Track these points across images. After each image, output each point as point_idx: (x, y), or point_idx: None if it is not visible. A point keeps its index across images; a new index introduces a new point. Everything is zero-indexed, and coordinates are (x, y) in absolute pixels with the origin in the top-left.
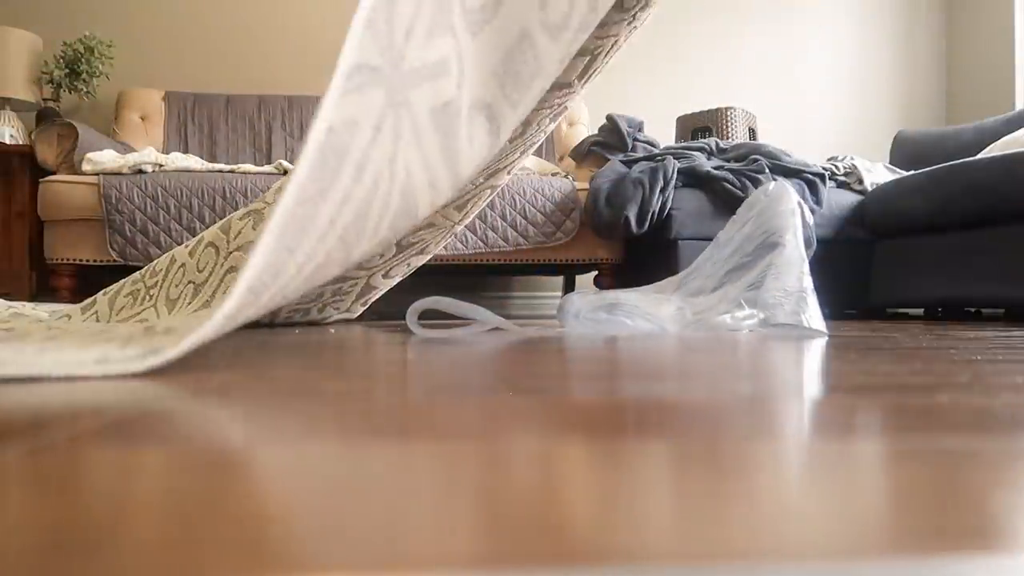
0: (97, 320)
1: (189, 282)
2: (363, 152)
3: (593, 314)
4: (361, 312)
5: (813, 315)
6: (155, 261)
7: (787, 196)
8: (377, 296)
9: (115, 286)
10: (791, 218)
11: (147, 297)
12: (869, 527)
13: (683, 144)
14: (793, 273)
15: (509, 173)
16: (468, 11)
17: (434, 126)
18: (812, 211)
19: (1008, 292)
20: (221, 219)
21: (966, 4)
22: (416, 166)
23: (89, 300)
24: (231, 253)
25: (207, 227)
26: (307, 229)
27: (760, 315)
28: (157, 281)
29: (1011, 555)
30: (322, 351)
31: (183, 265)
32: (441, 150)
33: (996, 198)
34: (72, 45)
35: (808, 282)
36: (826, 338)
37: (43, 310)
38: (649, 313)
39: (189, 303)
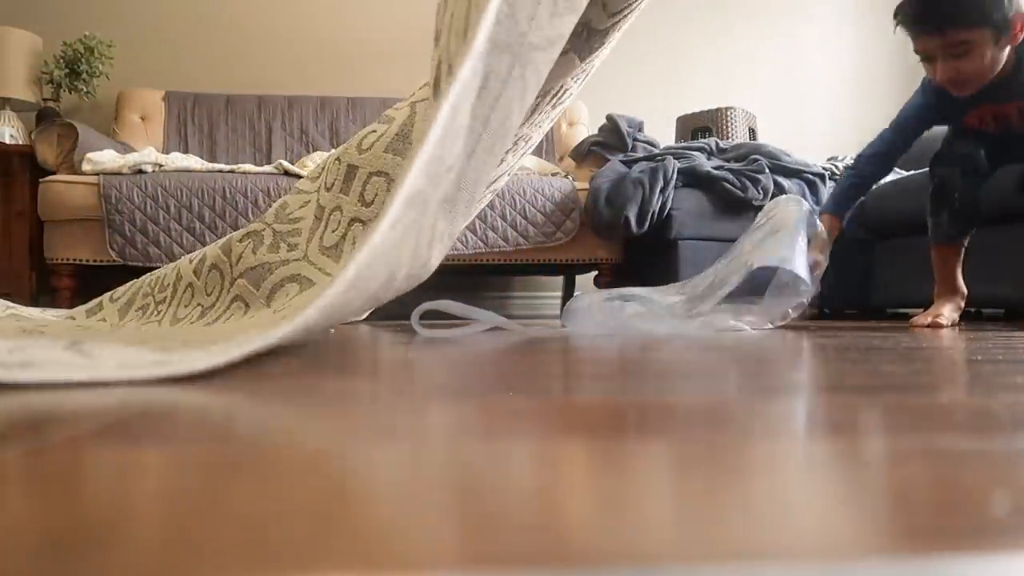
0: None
1: (197, 304)
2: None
3: (606, 305)
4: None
5: (800, 266)
6: (162, 272)
7: (796, 204)
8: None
9: (124, 294)
10: (799, 223)
11: (155, 312)
12: (869, 527)
13: (683, 144)
14: (792, 240)
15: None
16: None
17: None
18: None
19: (1008, 292)
20: (221, 219)
21: None
22: (512, 120)
23: (94, 303)
24: (235, 280)
25: (207, 227)
26: (426, 205)
27: (752, 261)
28: (166, 297)
29: (1011, 555)
30: (323, 350)
31: (190, 285)
32: (526, 109)
33: (996, 198)
34: (72, 45)
35: (802, 247)
36: (810, 292)
37: (51, 314)
38: (653, 299)
39: (193, 324)
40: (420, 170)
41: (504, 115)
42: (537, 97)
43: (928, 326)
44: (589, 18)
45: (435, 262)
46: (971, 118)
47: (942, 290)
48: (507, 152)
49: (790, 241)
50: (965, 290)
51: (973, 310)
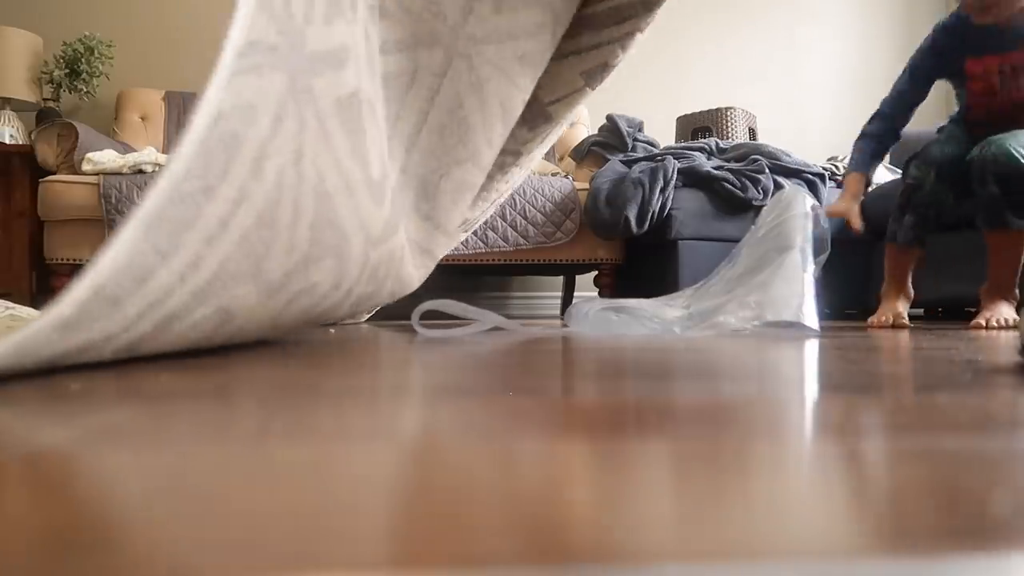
0: None
1: None
2: (261, 144)
3: (601, 314)
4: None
5: (809, 314)
6: None
7: (799, 201)
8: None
9: None
10: (802, 222)
11: None
12: (869, 527)
13: (683, 144)
14: (798, 275)
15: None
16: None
17: (340, 120)
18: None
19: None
20: None
21: None
22: (328, 167)
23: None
24: None
25: None
26: (185, 231)
27: (764, 314)
28: None
29: (1011, 555)
30: (323, 350)
31: None
32: (352, 148)
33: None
34: (72, 45)
35: (811, 283)
36: (818, 336)
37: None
38: (655, 315)
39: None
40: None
41: (452, 106)
42: (538, 116)
43: (893, 326)
44: (606, 59)
45: (414, 276)
46: (975, 65)
47: (891, 291)
48: (509, 166)
49: (796, 275)
50: (912, 293)
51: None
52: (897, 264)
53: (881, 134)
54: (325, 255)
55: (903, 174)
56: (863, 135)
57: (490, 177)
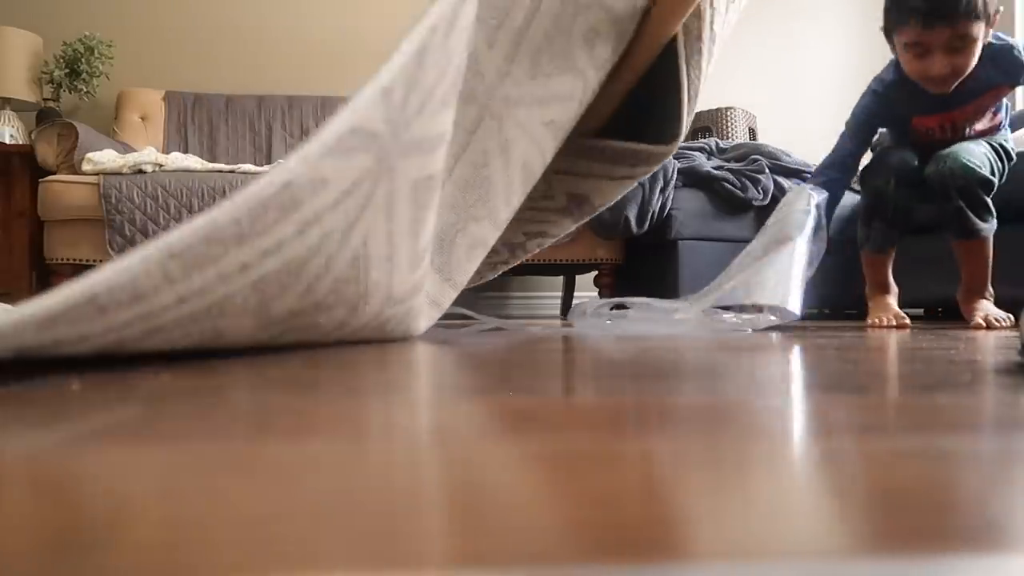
0: None
1: None
2: (317, 212)
3: (604, 312)
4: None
5: (793, 301)
6: None
7: (801, 198)
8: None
9: None
10: (803, 218)
11: None
12: (868, 527)
13: (683, 144)
14: (789, 264)
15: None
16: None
17: (411, 200)
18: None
19: (1007, 292)
20: None
21: None
22: (378, 237)
23: None
24: None
25: None
26: (205, 266)
27: (752, 295)
28: None
29: (1011, 555)
30: (324, 349)
31: None
32: (411, 223)
33: (996, 198)
34: (72, 45)
35: (800, 273)
36: (797, 320)
37: None
38: (658, 313)
39: None
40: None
41: (478, 163)
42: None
43: (896, 327)
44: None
45: (421, 327)
46: (921, 122)
47: (877, 292)
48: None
49: (787, 264)
50: (896, 288)
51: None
52: (875, 268)
53: (837, 193)
54: (339, 305)
55: (861, 186)
56: (831, 203)
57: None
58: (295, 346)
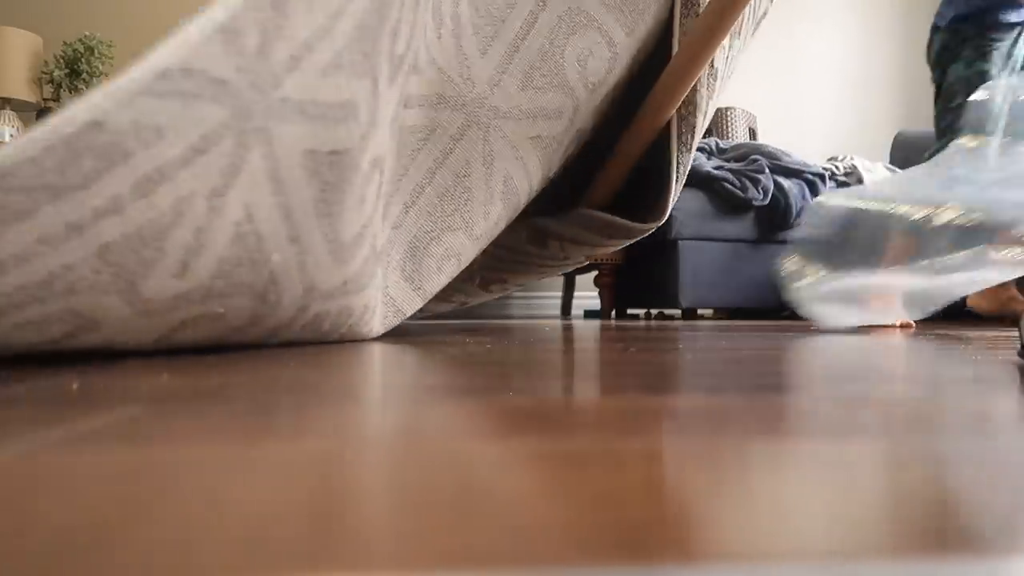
0: None
1: None
2: (159, 168)
3: (831, 297)
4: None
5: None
6: None
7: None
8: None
9: None
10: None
11: None
12: (869, 527)
13: None
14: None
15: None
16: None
17: (309, 172)
18: None
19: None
20: None
21: None
22: (268, 212)
23: None
24: None
25: None
26: (9, 221)
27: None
28: None
29: (1011, 555)
30: (325, 350)
31: None
32: (315, 203)
33: None
34: (72, 45)
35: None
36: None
37: None
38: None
39: None
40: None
41: (459, 172)
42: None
43: (900, 326)
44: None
45: (374, 329)
46: None
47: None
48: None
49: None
50: None
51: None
52: None
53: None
54: (236, 293)
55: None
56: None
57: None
58: (295, 347)
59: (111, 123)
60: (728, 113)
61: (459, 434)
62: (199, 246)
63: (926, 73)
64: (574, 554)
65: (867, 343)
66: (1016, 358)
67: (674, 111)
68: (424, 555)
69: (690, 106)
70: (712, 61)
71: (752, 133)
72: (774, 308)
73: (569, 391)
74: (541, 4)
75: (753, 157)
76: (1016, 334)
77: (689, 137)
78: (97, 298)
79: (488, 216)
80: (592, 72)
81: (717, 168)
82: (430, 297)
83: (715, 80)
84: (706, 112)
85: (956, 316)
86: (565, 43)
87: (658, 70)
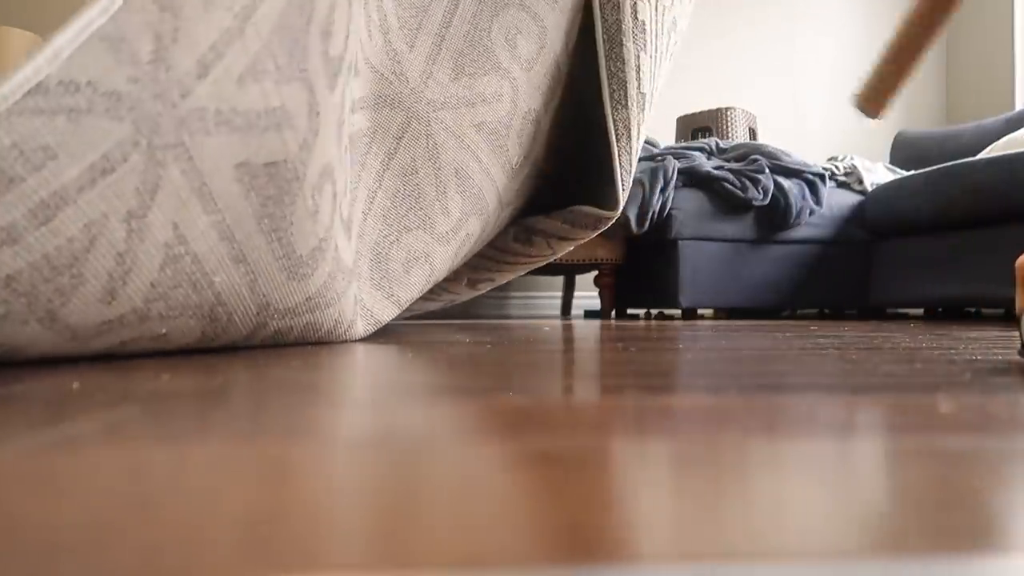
0: None
1: None
2: (57, 192)
3: None
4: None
5: None
6: None
7: None
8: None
9: None
10: None
11: None
12: (869, 527)
13: (683, 144)
14: None
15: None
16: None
17: (244, 186)
18: (812, 211)
19: (1008, 292)
20: None
21: (966, 4)
22: (202, 232)
23: None
24: None
25: None
26: None
27: None
28: None
29: (1011, 555)
30: (320, 351)
31: None
32: (257, 219)
33: (996, 198)
34: None
35: None
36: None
37: None
38: None
39: None
40: None
41: (407, 171)
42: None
43: None
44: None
45: (355, 336)
46: None
47: None
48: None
49: None
50: None
51: (973, 310)
52: None
53: None
54: (178, 315)
55: None
56: None
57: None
58: (294, 347)
59: None
60: (728, 113)
61: (458, 434)
62: (125, 271)
63: (926, 73)
64: (573, 554)
65: (867, 343)
66: (1016, 357)
67: (607, 101)
68: (421, 555)
69: (620, 94)
70: (633, 38)
71: (752, 133)
72: (774, 308)
73: (569, 391)
74: None
75: (753, 157)
76: (1016, 334)
77: (623, 125)
78: (15, 328)
79: (448, 212)
80: (523, 50)
81: (717, 168)
82: (407, 303)
83: (645, 56)
84: (641, 92)
85: (956, 316)
86: (490, 25)
87: (589, 40)
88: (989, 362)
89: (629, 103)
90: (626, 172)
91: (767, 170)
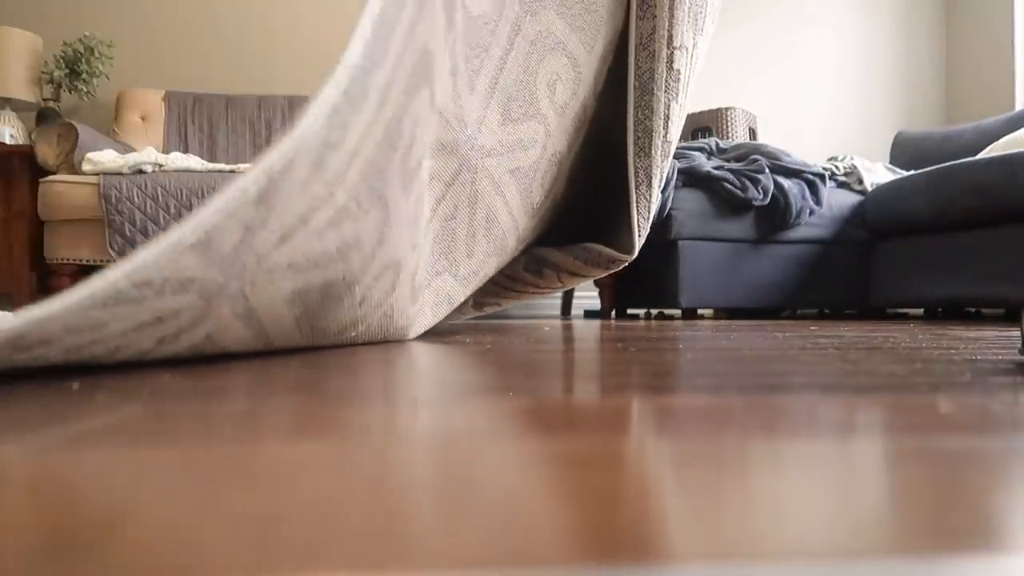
0: None
1: None
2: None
3: None
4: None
5: None
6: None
7: None
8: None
9: None
10: None
11: None
12: (869, 527)
13: (683, 144)
14: None
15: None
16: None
17: (294, 310)
18: (812, 211)
19: (1008, 292)
20: None
21: (966, 4)
22: (235, 336)
23: None
24: None
25: None
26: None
27: None
28: None
29: (1011, 555)
30: (322, 351)
31: None
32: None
33: (996, 198)
34: (72, 45)
35: None
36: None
37: None
38: None
39: None
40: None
41: (447, 216)
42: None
43: None
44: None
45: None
46: None
47: None
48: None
49: None
50: None
51: (973, 310)
52: None
53: None
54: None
55: None
56: None
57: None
58: (294, 348)
59: (124, 289)
60: (728, 113)
61: (458, 434)
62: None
63: (926, 73)
64: (573, 554)
65: (867, 343)
66: (1017, 356)
67: (631, 148)
68: (421, 555)
69: (645, 142)
70: (664, 89)
71: (752, 133)
72: (774, 308)
73: (568, 391)
74: (516, 28)
75: (753, 157)
76: (1016, 333)
77: (645, 174)
78: (233, 332)
79: (472, 255)
80: (560, 95)
81: (717, 168)
82: (423, 329)
83: (676, 104)
84: (667, 141)
85: (956, 316)
86: (537, 69)
87: (616, 80)
88: (989, 362)
89: (653, 151)
90: (643, 219)
91: (767, 170)
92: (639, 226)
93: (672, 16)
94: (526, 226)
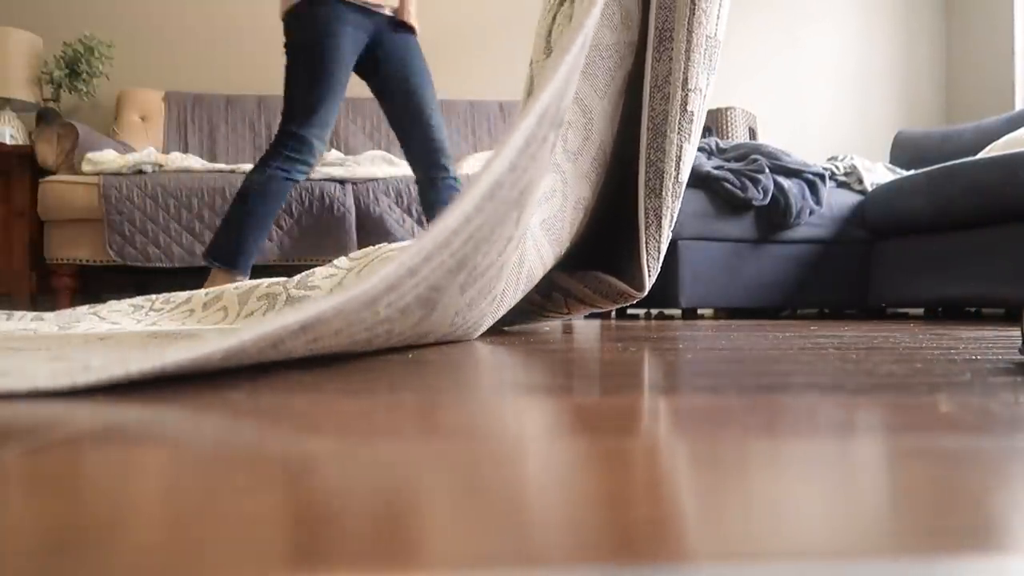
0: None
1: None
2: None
3: None
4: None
5: None
6: (179, 295)
7: None
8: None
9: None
10: None
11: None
12: (869, 527)
13: None
14: None
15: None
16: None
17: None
18: (812, 211)
19: (1008, 292)
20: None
21: (966, 4)
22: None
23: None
24: (234, 322)
25: (206, 227)
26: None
27: None
28: (168, 309)
29: (1011, 555)
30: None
31: (192, 312)
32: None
33: (996, 198)
34: (72, 45)
35: None
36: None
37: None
38: None
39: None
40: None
41: (494, 277)
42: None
43: None
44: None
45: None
46: None
47: None
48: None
49: None
50: None
51: (973, 310)
52: None
53: None
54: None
55: None
56: None
57: None
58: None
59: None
60: (728, 113)
61: (456, 434)
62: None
63: (926, 73)
64: (573, 553)
65: (867, 343)
66: (1017, 356)
67: (641, 188)
68: (421, 555)
69: (656, 183)
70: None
71: (752, 133)
72: (774, 308)
73: (568, 391)
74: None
75: (753, 157)
76: (1016, 333)
77: (655, 214)
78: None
79: (505, 304)
80: (572, 143)
81: (717, 168)
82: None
83: (688, 145)
84: (679, 181)
85: (956, 316)
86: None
87: (628, 117)
88: (989, 362)
89: (664, 192)
90: (653, 259)
91: (767, 170)
92: (648, 266)
93: (688, 59)
94: (552, 261)
